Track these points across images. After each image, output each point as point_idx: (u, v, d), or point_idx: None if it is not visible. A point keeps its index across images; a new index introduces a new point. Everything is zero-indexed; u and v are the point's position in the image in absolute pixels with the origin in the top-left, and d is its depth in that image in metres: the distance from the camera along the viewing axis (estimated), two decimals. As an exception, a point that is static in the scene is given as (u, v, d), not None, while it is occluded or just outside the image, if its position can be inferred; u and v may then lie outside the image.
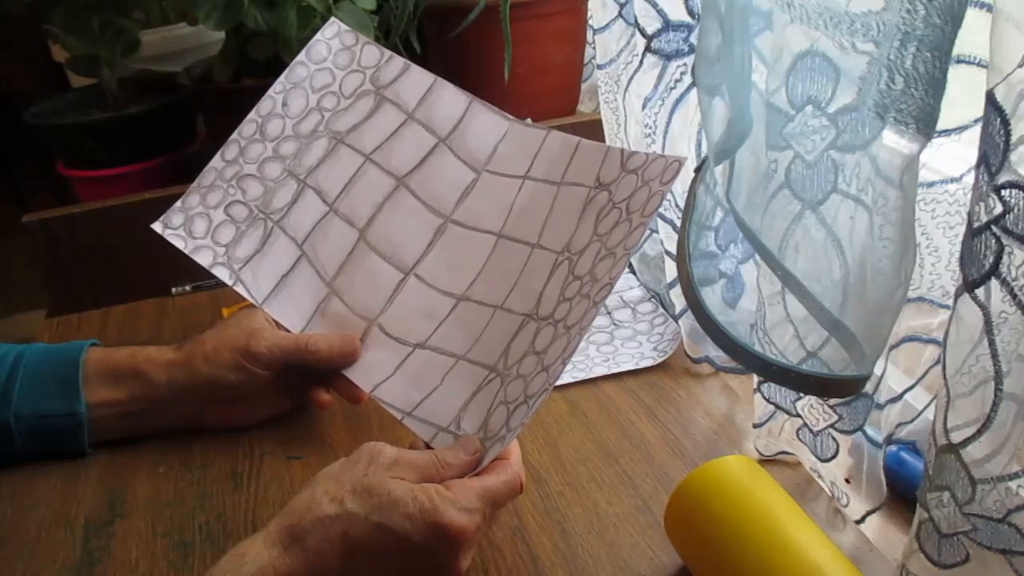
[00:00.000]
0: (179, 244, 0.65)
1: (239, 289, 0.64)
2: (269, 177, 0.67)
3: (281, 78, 0.68)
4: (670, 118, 0.69)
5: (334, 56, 0.69)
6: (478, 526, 0.47)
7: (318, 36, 0.69)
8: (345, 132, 0.67)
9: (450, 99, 0.65)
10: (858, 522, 0.54)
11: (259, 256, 0.65)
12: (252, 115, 0.68)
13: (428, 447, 0.55)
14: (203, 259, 0.65)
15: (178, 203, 0.67)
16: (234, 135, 0.68)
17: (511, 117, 0.62)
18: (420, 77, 0.66)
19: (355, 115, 0.67)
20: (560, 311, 0.52)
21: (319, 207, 0.66)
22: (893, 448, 0.57)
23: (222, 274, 0.65)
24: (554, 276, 0.54)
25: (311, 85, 0.68)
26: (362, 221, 0.64)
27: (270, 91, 0.68)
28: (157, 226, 0.66)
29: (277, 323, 0.64)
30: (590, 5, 0.81)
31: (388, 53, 0.68)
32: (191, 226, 0.66)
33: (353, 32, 0.70)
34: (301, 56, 0.69)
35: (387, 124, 0.66)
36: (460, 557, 0.47)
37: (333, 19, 0.70)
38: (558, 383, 0.69)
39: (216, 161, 0.68)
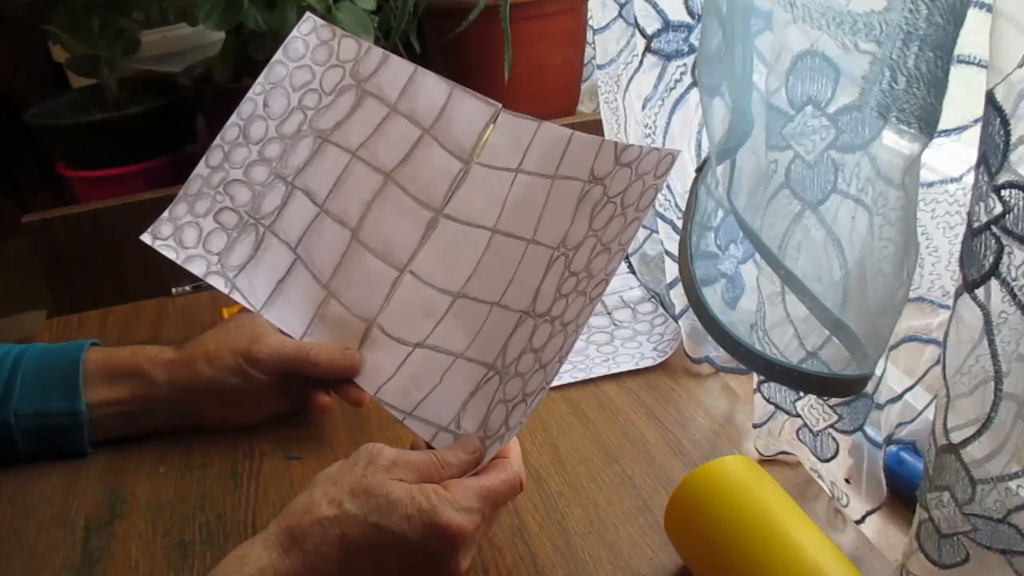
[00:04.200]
0: (170, 255, 0.65)
1: (236, 297, 0.64)
2: (256, 181, 0.66)
3: (260, 79, 0.67)
4: (670, 118, 0.69)
5: (312, 52, 0.68)
6: (477, 526, 0.47)
7: (294, 33, 0.68)
8: (329, 130, 0.66)
9: (432, 87, 0.64)
10: (858, 522, 0.54)
11: (253, 263, 0.65)
12: (234, 118, 0.67)
13: (429, 447, 0.55)
14: (196, 269, 0.65)
15: (165, 213, 0.66)
16: (216, 140, 0.67)
17: (494, 103, 0.61)
18: (400, 67, 0.65)
19: (338, 112, 0.66)
20: (557, 308, 0.52)
21: (309, 209, 0.65)
22: (893, 448, 0.57)
23: (217, 283, 0.64)
24: (550, 272, 0.54)
25: (291, 84, 0.67)
26: (354, 220, 0.64)
27: (250, 93, 0.67)
28: (146, 237, 0.65)
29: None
30: (590, 5, 0.81)
31: (366, 44, 0.67)
32: (181, 236, 0.65)
33: (329, 26, 0.68)
34: (279, 55, 0.67)
35: (371, 119, 0.65)
36: (460, 557, 0.47)
37: (308, 14, 0.69)
38: (558, 383, 0.69)
39: (201, 168, 0.67)
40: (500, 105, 0.61)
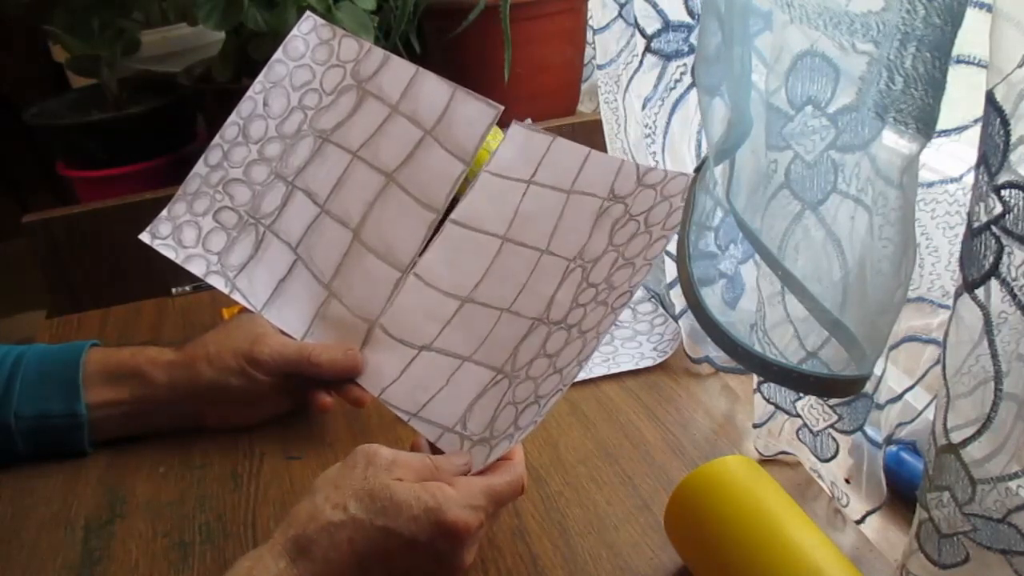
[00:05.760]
0: (169, 254, 0.64)
1: (236, 297, 0.64)
2: (256, 181, 0.66)
3: (260, 77, 0.67)
4: (670, 118, 0.69)
5: (312, 52, 0.68)
6: (481, 523, 0.47)
7: (294, 32, 0.68)
8: (330, 130, 0.66)
9: (433, 89, 0.64)
10: (858, 522, 0.54)
11: (253, 262, 0.65)
12: (233, 117, 0.67)
13: (433, 447, 0.55)
14: (196, 268, 0.64)
15: (164, 212, 0.66)
16: (216, 139, 0.67)
17: (496, 104, 0.62)
18: (401, 68, 0.65)
19: (339, 112, 0.66)
20: (573, 316, 0.52)
21: (310, 209, 0.65)
22: (893, 448, 0.57)
23: (217, 283, 0.64)
24: (565, 282, 0.54)
25: (291, 83, 0.67)
26: (355, 221, 0.64)
27: (249, 92, 0.67)
28: (145, 236, 0.65)
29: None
30: (590, 5, 0.81)
31: (367, 45, 0.67)
32: (180, 235, 0.65)
33: (329, 26, 0.68)
34: (279, 54, 0.67)
35: (372, 119, 0.65)
36: (465, 553, 0.48)
37: (308, 13, 0.69)
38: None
39: (200, 167, 0.67)
40: (502, 107, 0.61)
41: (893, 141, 0.43)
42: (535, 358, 0.53)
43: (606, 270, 0.52)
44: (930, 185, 0.48)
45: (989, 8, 0.35)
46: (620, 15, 0.75)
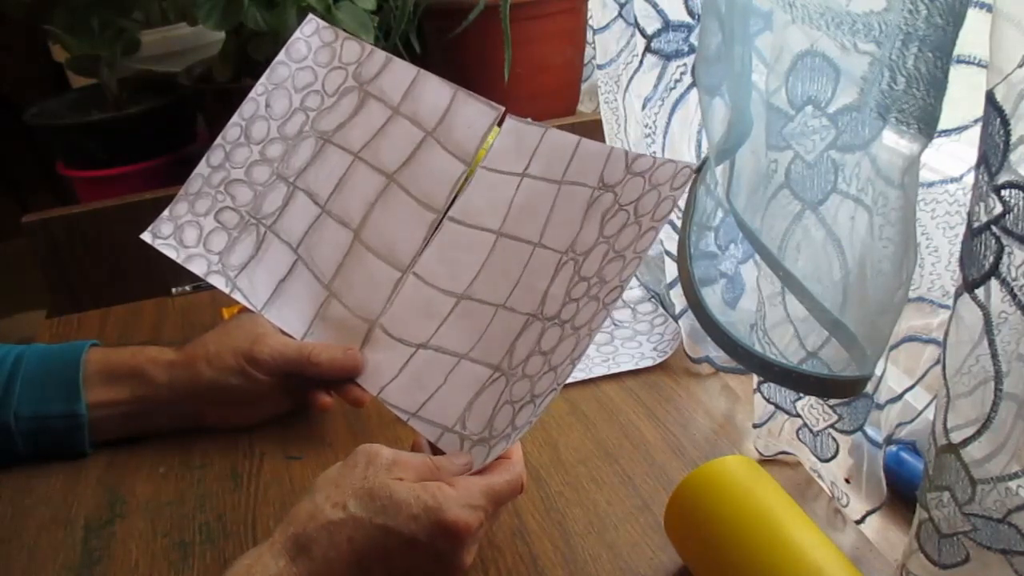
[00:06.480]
0: (171, 254, 0.65)
1: (236, 296, 0.64)
2: (257, 181, 0.66)
3: (262, 79, 0.67)
4: (670, 118, 0.69)
5: (314, 54, 0.68)
6: (481, 523, 0.47)
7: (297, 34, 0.68)
8: (332, 131, 0.66)
9: (434, 90, 0.64)
10: (858, 522, 0.54)
11: (254, 262, 0.65)
12: (235, 118, 0.67)
13: (433, 447, 0.55)
14: (197, 268, 0.65)
15: (166, 212, 0.66)
16: (218, 140, 0.67)
17: (497, 106, 0.62)
18: (403, 70, 0.65)
19: (340, 113, 0.66)
20: (567, 312, 0.52)
21: (311, 209, 0.65)
22: (893, 448, 0.57)
23: (218, 282, 0.64)
24: (558, 276, 0.54)
25: (293, 85, 0.67)
26: (355, 221, 0.64)
27: (252, 93, 0.67)
28: (146, 236, 0.65)
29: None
30: (590, 5, 0.81)
31: (368, 47, 0.67)
32: (181, 235, 0.65)
33: (332, 27, 0.69)
34: (281, 56, 0.68)
35: (373, 121, 0.65)
36: (464, 552, 0.48)
37: (311, 16, 0.69)
38: (559, 383, 0.69)
39: (202, 167, 0.67)
40: (503, 108, 0.61)
41: (894, 141, 0.43)
42: (531, 355, 0.53)
43: (597, 263, 0.52)
44: (930, 185, 0.48)
45: (989, 8, 0.35)
46: (620, 15, 0.75)
